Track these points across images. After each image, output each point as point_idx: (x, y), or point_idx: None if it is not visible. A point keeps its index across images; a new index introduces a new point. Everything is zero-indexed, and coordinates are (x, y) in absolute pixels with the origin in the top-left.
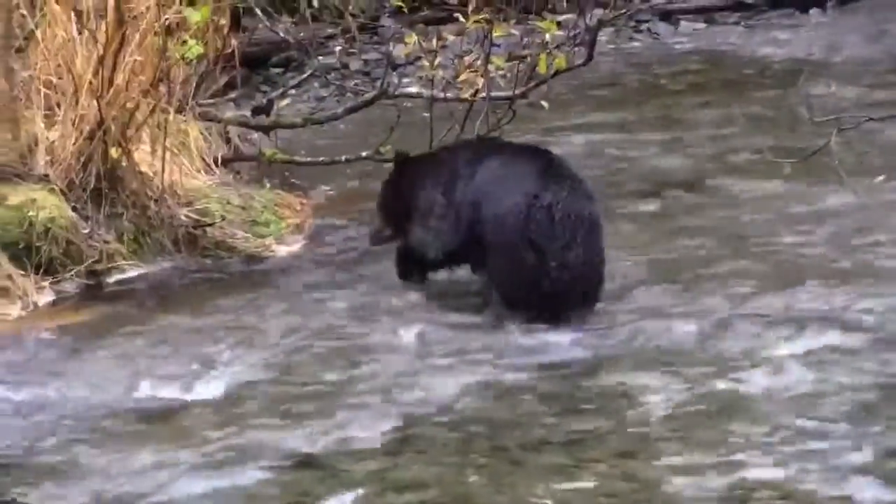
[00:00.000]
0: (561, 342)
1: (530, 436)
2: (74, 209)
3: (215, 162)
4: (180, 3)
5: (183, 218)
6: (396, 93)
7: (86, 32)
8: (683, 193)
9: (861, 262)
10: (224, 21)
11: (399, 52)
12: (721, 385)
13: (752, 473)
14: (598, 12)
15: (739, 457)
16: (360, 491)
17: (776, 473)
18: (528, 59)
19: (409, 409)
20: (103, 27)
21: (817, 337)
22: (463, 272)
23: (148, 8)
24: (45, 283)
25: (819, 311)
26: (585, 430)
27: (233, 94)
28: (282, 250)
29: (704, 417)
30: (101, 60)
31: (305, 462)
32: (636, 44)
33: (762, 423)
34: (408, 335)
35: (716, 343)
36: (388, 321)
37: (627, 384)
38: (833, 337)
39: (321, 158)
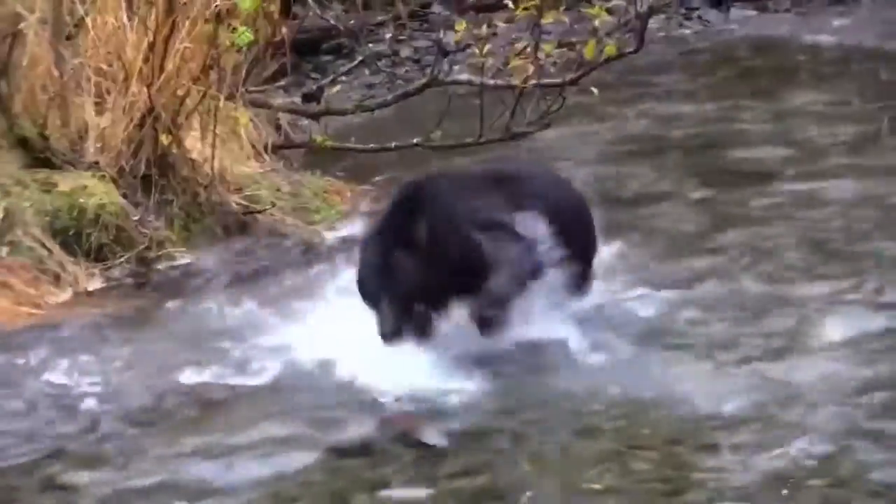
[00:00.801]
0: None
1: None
2: (124, 196)
3: (265, 149)
4: None
5: (233, 205)
6: (447, 80)
7: (136, 19)
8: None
9: None
10: (274, 8)
11: (449, 39)
12: (771, 371)
13: (802, 459)
14: None
15: (789, 442)
16: (412, 475)
17: (827, 460)
18: (578, 45)
19: (459, 397)
20: (153, 14)
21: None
22: None
23: None
24: (95, 270)
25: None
26: (634, 416)
27: (283, 81)
28: (332, 237)
29: (754, 404)
30: (151, 47)
31: (357, 450)
32: (686, 31)
33: (811, 410)
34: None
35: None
36: None
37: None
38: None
39: (371, 145)
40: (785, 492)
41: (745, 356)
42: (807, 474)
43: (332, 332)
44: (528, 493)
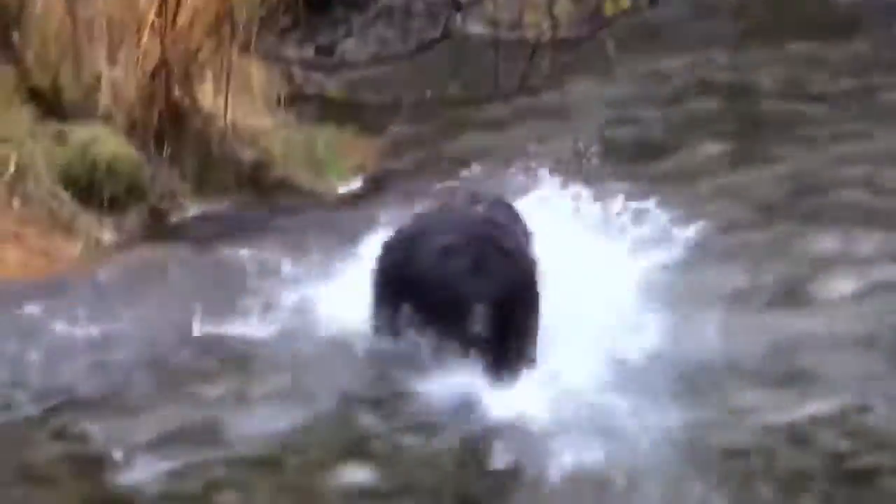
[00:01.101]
0: None
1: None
2: (137, 148)
3: (278, 102)
4: None
5: (245, 157)
6: (461, 34)
7: None
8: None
9: None
10: None
11: None
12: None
13: (815, 411)
14: None
15: (802, 394)
16: (424, 425)
17: (839, 412)
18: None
19: None
20: None
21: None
22: None
23: None
24: (108, 221)
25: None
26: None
27: (296, 35)
28: (344, 190)
29: (764, 355)
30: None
31: (368, 401)
32: None
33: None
34: None
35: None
36: None
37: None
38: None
39: (385, 98)
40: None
41: (756, 306)
42: (821, 424)
43: (347, 283)
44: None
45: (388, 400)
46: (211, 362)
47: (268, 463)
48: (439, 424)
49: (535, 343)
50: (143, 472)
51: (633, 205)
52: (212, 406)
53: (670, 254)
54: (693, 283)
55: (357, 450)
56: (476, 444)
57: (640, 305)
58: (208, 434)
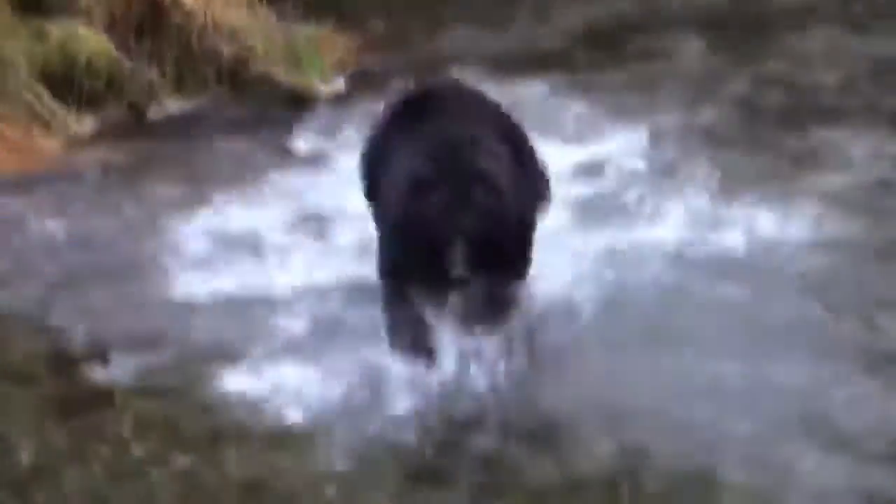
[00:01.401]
0: None
1: None
2: (116, 44)
3: None
4: None
5: (225, 53)
6: None
7: None
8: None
9: None
10: None
11: None
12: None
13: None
14: None
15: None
16: None
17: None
18: None
19: None
20: None
21: None
22: None
23: None
24: (86, 117)
25: None
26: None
27: None
28: (324, 87)
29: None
30: None
31: (348, 288)
32: None
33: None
34: None
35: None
36: None
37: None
38: None
39: None
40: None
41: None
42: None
43: (328, 176)
44: None
45: (366, 294)
46: (189, 257)
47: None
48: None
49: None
50: (121, 369)
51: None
52: (187, 304)
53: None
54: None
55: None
56: None
57: None
58: (184, 332)
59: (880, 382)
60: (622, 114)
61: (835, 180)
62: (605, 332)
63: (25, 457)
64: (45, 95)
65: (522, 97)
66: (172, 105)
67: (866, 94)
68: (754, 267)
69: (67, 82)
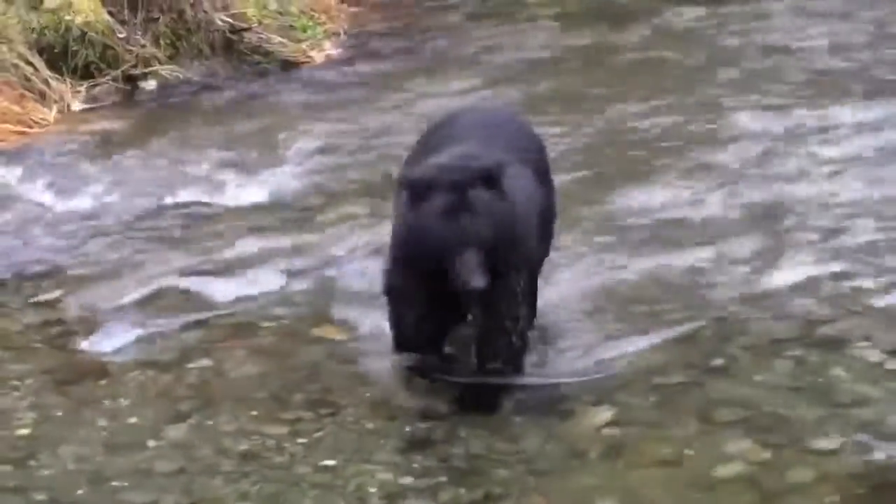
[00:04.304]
0: None
1: None
2: (111, 14)
3: None
4: None
5: (219, 22)
6: None
7: None
8: None
9: None
10: None
11: None
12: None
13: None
14: None
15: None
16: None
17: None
18: None
19: None
20: None
21: None
22: None
23: None
24: (81, 88)
25: None
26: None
27: None
28: (318, 56)
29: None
30: None
31: (345, 267)
32: None
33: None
34: None
35: None
36: None
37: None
38: None
39: None
40: None
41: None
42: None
43: (313, 151)
44: None
45: (360, 265)
46: (185, 230)
47: (241, 329)
48: None
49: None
50: (116, 340)
51: None
52: (185, 274)
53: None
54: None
55: (330, 316)
56: None
57: None
58: (182, 302)
59: None
60: None
61: None
62: None
63: (23, 429)
64: (41, 66)
65: None
66: (167, 75)
67: None
68: None
69: (62, 52)
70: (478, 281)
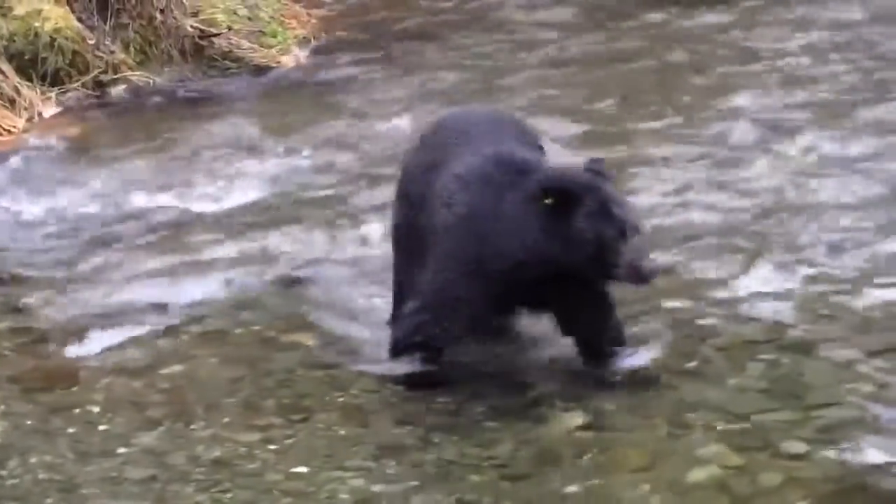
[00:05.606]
0: None
1: None
2: (80, 20)
3: None
4: None
5: (189, 28)
6: None
7: None
8: None
9: None
10: None
11: None
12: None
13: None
14: None
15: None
16: (368, 297)
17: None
18: None
19: None
20: None
21: None
22: None
23: None
24: (51, 94)
25: None
26: None
27: None
28: (288, 61)
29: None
30: None
31: (313, 273)
32: None
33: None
34: None
35: None
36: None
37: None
38: None
39: None
40: None
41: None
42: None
43: (284, 156)
44: None
45: (332, 271)
46: (156, 236)
47: (212, 335)
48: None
49: None
50: (88, 347)
51: None
52: (155, 279)
53: None
54: None
55: (303, 321)
56: None
57: None
58: (152, 307)
59: None
60: None
61: None
62: None
63: None
64: (10, 72)
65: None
66: (137, 81)
67: None
68: None
69: (32, 59)
70: (656, 263)
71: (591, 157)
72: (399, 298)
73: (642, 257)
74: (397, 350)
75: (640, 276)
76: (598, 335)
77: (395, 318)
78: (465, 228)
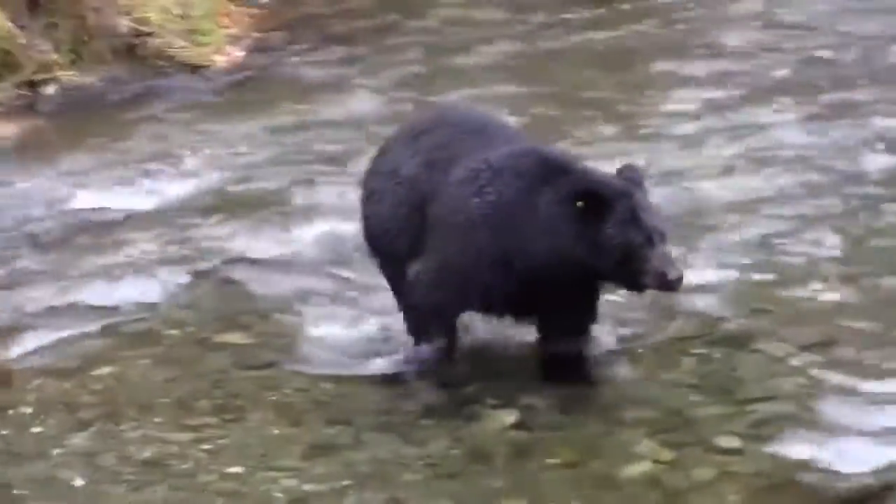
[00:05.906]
0: None
1: None
2: (11, 19)
3: None
4: None
5: (122, 27)
6: None
7: None
8: None
9: None
10: None
11: None
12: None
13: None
14: None
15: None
16: (305, 297)
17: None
18: None
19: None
20: None
21: None
22: None
23: None
24: None
25: None
26: None
27: None
28: (221, 60)
29: None
30: None
31: (246, 272)
32: None
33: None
34: None
35: None
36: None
37: None
38: None
39: None
40: None
41: None
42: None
43: (215, 155)
44: None
45: (265, 270)
46: (86, 236)
47: (145, 335)
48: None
49: None
50: (19, 349)
51: None
52: (88, 279)
53: None
54: None
55: (235, 321)
56: None
57: None
58: (85, 308)
59: None
60: None
61: None
62: None
63: None
64: None
65: None
66: (68, 81)
67: None
68: None
69: None
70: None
71: (626, 163)
72: (399, 290)
73: (669, 264)
74: (418, 324)
75: (667, 284)
76: (573, 335)
77: (406, 297)
78: (496, 218)
